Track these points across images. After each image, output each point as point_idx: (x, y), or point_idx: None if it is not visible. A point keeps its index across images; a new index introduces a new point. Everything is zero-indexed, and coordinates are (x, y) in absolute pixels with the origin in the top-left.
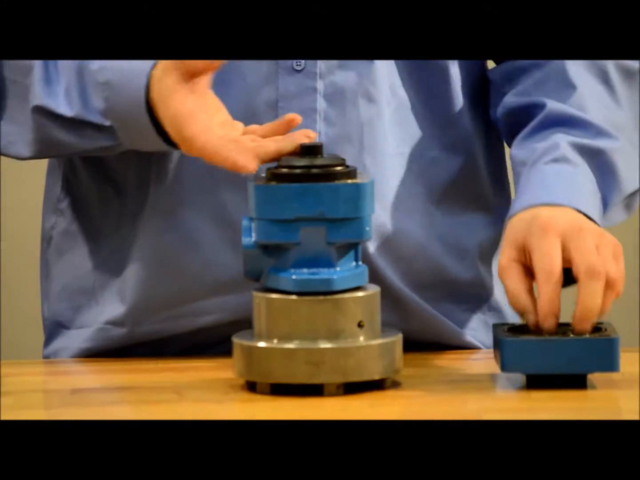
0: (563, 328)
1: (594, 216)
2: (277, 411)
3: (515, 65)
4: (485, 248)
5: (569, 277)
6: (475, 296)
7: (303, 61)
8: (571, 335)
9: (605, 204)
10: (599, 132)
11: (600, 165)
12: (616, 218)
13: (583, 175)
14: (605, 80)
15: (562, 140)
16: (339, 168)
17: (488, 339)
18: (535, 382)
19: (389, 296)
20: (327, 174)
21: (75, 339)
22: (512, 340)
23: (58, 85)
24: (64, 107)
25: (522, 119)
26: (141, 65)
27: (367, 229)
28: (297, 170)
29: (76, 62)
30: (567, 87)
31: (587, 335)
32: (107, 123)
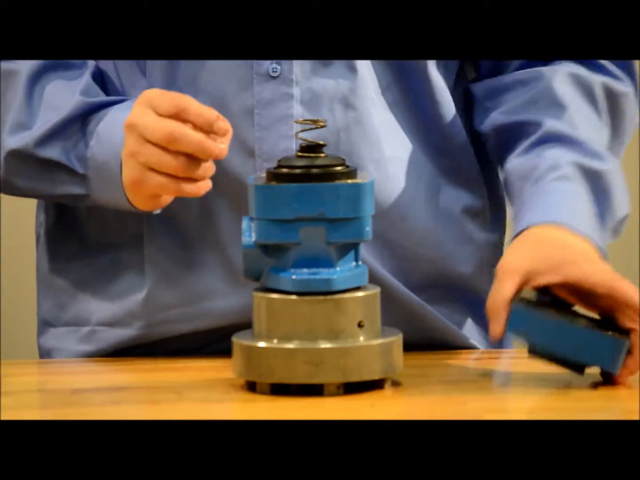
0: (576, 316)
1: (602, 247)
2: (277, 411)
3: (499, 82)
4: (482, 248)
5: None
6: (470, 294)
7: (279, 67)
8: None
9: (602, 227)
10: (594, 153)
11: (599, 188)
12: (605, 243)
13: (588, 198)
14: (591, 100)
15: (564, 159)
16: (339, 168)
17: (480, 340)
18: (536, 350)
19: (388, 297)
20: (327, 174)
21: (68, 339)
22: (528, 309)
23: (36, 126)
24: (42, 149)
25: (515, 135)
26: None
27: (367, 229)
28: (297, 170)
29: (79, 107)
30: (558, 106)
31: (599, 330)
32: (82, 171)
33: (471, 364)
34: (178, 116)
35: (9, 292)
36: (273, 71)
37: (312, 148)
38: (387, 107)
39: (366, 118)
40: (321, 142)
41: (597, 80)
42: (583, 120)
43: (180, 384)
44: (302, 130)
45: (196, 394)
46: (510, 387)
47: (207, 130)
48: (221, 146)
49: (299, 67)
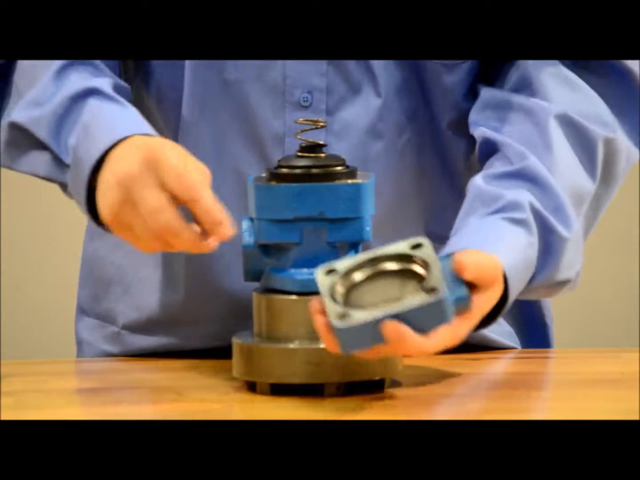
0: None
1: (512, 297)
2: (277, 411)
3: (506, 98)
4: None
5: None
6: None
7: (310, 97)
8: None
9: (532, 279)
10: (562, 217)
11: (549, 247)
12: (534, 296)
13: (531, 250)
14: (590, 157)
15: (527, 202)
16: (339, 168)
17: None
18: None
19: None
20: (327, 174)
21: (95, 335)
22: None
23: (43, 107)
24: (40, 130)
25: (500, 156)
26: (119, 126)
27: (367, 229)
28: (297, 170)
29: (74, 91)
30: (549, 149)
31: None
32: (67, 160)
33: (472, 364)
34: (184, 202)
35: (9, 292)
36: (304, 100)
37: (312, 148)
38: (411, 134)
39: (393, 146)
40: (321, 142)
41: (600, 135)
42: (570, 173)
43: (180, 384)
44: (302, 131)
45: (196, 394)
46: (510, 388)
47: (206, 228)
48: (212, 244)
49: (329, 97)
